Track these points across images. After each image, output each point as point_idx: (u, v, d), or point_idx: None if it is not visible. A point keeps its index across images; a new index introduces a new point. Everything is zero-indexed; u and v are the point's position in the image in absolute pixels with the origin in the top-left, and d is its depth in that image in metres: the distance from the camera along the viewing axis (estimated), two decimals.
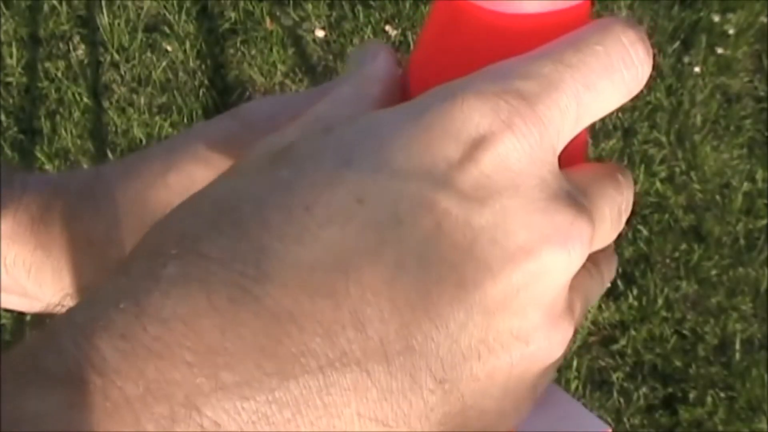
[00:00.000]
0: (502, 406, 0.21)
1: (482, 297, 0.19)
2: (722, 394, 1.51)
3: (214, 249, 0.18)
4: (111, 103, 1.76)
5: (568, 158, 0.21)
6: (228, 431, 0.17)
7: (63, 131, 1.71)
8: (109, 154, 1.70)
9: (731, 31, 1.86)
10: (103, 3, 1.84)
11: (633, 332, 1.56)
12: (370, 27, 1.84)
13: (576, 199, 0.21)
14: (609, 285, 0.25)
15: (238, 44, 1.83)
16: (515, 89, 0.20)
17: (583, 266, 0.22)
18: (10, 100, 1.74)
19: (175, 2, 1.86)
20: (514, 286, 0.20)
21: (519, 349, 0.20)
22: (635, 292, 1.59)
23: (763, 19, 1.86)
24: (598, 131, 1.72)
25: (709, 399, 1.50)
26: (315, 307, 0.18)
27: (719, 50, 1.85)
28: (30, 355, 0.17)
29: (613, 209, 0.23)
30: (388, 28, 1.85)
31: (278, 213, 0.19)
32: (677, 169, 1.72)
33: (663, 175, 1.70)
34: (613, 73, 0.21)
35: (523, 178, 0.20)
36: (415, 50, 0.25)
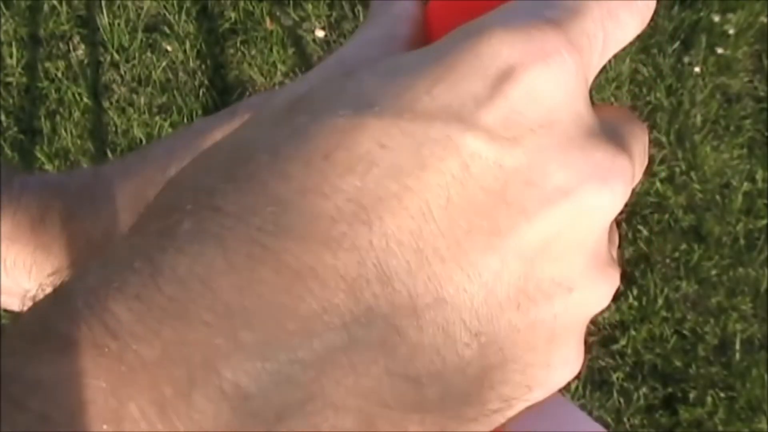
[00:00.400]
0: (548, 359, 0.19)
1: (518, 243, 0.18)
2: (722, 394, 1.51)
3: (230, 203, 0.17)
4: (111, 103, 1.76)
5: None
6: (249, 392, 0.16)
7: (63, 131, 1.71)
8: (109, 154, 1.70)
9: (731, 31, 1.86)
10: (103, 3, 1.84)
11: (633, 332, 1.56)
12: None
13: (613, 135, 0.20)
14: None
15: (238, 44, 1.83)
16: (546, 18, 0.19)
17: None
18: (10, 100, 1.74)
19: (175, 2, 1.86)
20: (553, 229, 0.18)
21: (562, 298, 0.19)
22: (635, 292, 1.59)
23: (763, 19, 1.86)
24: None
25: (709, 399, 1.50)
26: (337, 261, 0.17)
27: (719, 50, 1.85)
28: (43, 319, 0.17)
29: (641, 148, 0.21)
30: None
31: (296, 163, 0.18)
32: (677, 169, 1.72)
33: (663, 175, 1.70)
34: (629, 0, 0.20)
35: (558, 112, 0.19)
36: None
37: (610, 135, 0.20)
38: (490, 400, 0.19)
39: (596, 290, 0.20)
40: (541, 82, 0.18)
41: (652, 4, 0.21)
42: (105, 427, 0.15)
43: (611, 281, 0.20)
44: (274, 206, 0.17)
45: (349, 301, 0.17)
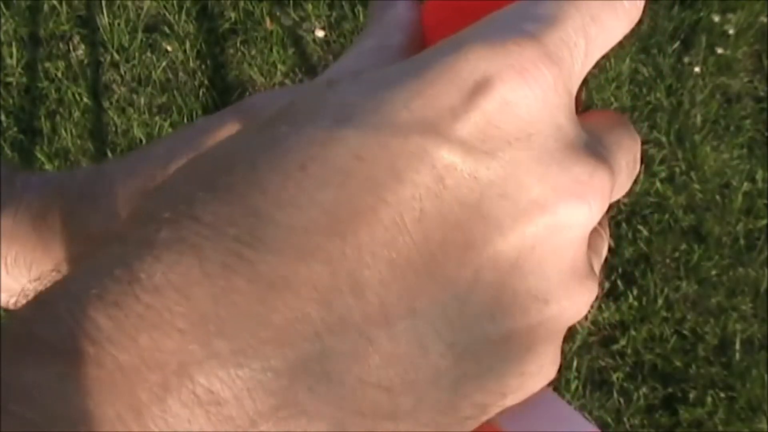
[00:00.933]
0: (523, 368, 0.20)
1: (492, 255, 0.18)
2: (722, 394, 1.51)
3: (208, 213, 0.18)
4: (111, 103, 1.76)
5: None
6: (222, 398, 0.16)
7: (63, 131, 1.71)
8: (109, 154, 1.70)
9: (731, 31, 1.86)
10: (103, 3, 1.84)
11: (633, 332, 1.56)
12: None
13: (595, 148, 0.20)
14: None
15: (238, 44, 1.83)
16: (525, 32, 0.19)
17: None
18: (10, 100, 1.75)
19: (175, 2, 1.86)
20: (528, 242, 0.19)
21: (538, 310, 0.19)
22: (635, 292, 1.59)
23: (763, 19, 1.87)
24: None
25: (709, 399, 1.50)
26: (311, 272, 0.17)
27: (719, 50, 1.85)
28: (26, 325, 0.17)
29: (629, 159, 0.21)
30: None
31: (273, 173, 0.18)
32: (677, 169, 1.72)
33: (663, 175, 1.71)
34: (614, 2, 0.20)
35: (536, 126, 0.19)
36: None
37: (593, 147, 0.20)
38: (464, 408, 0.19)
39: (573, 302, 0.20)
40: (518, 96, 0.19)
41: (640, 2, 0.21)
42: (83, 429, 0.16)
43: (588, 293, 0.20)
44: (251, 217, 0.17)
45: (322, 311, 0.17)
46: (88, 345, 0.16)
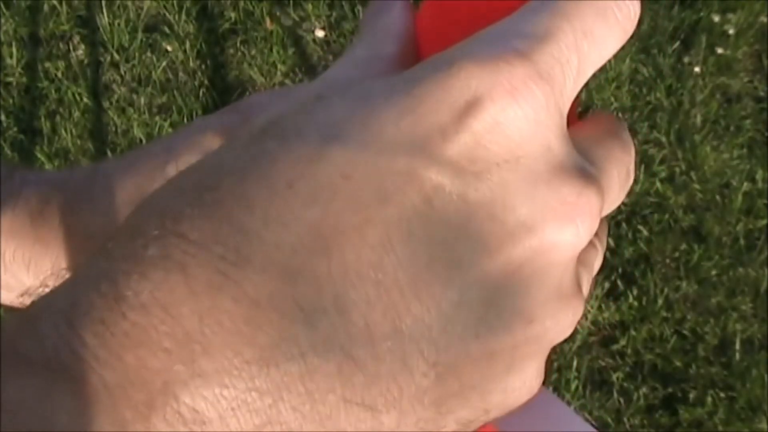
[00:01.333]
0: (507, 385, 0.20)
1: (478, 276, 0.18)
2: (722, 394, 1.51)
3: (195, 230, 0.17)
4: (111, 103, 1.76)
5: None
6: (207, 417, 0.16)
7: (63, 131, 1.71)
8: (109, 154, 1.70)
9: (731, 31, 1.86)
10: (103, 3, 1.84)
11: (633, 332, 1.56)
12: None
13: (583, 167, 0.20)
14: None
15: (238, 44, 1.83)
16: (515, 50, 0.19)
17: None
18: (10, 100, 1.75)
19: (175, 2, 1.86)
20: (515, 263, 0.19)
21: (522, 328, 0.19)
22: (635, 292, 1.59)
23: (763, 19, 1.87)
24: None
25: (709, 399, 1.50)
26: (296, 292, 0.17)
27: (719, 50, 1.85)
28: (11, 341, 0.17)
29: (622, 172, 0.21)
30: None
31: (261, 190, 0.18)
32: (677, 169, 1.72)
33: (663, 175, 1.70)
34: (606, 15, 0.20)
35: (526, 147, 0.19)
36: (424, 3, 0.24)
37: (582, 165, 0.20)
38: (448, 424, 0.19)
39: (557, 321, 0.20)
40: (508, 117, 0.18)
41: (635, 11, 0.21)
42: None
43: (573, 312, 0.20)
44: (237, 235, 0.17)
45: (306, 331, 0.17)
46: (74, 362, 0.16)
